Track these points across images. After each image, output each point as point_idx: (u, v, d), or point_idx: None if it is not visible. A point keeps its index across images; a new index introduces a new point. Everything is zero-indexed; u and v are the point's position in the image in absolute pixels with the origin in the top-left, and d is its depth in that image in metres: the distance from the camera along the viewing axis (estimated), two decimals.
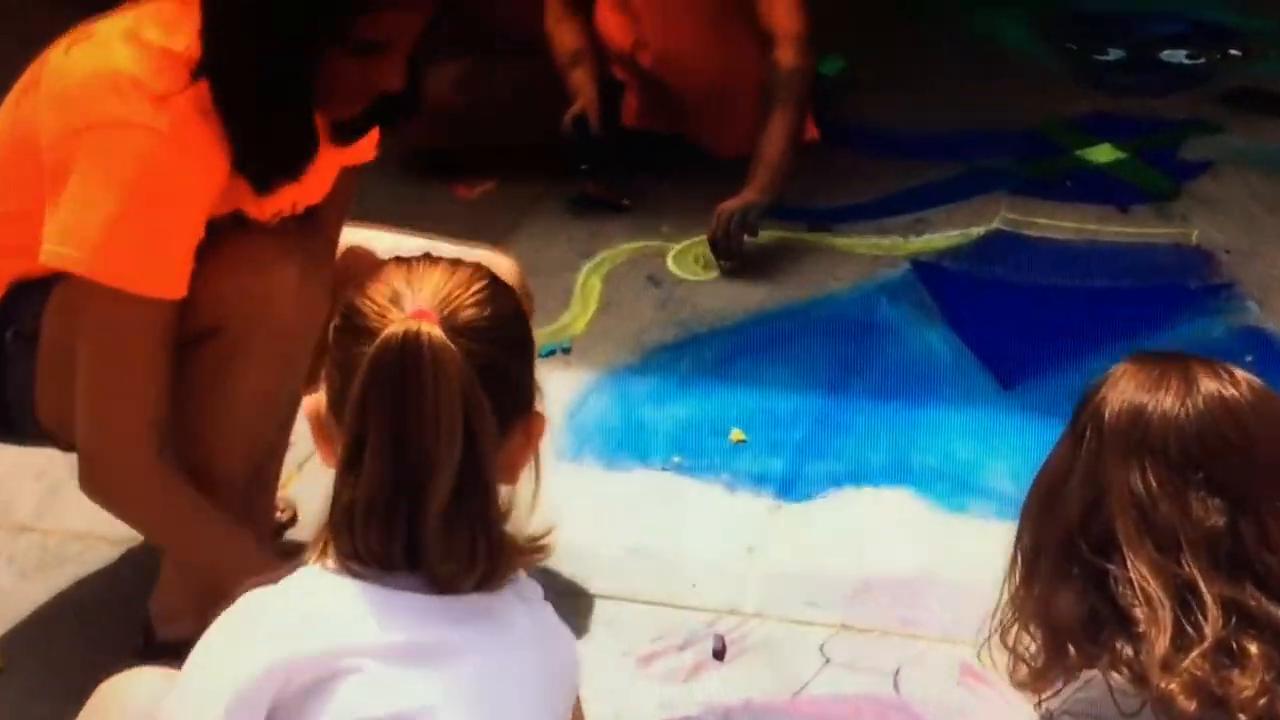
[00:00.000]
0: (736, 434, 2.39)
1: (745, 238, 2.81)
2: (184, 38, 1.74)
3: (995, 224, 2.95)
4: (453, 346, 1.26)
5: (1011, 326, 2.65)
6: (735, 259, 2.82)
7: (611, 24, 3.11)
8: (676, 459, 2.33)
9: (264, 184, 1.80)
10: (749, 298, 2.75)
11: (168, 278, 1.71)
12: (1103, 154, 3.17)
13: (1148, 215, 2.97)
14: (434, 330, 1.26)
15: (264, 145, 1.76)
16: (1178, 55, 3.56)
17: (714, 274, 2.83)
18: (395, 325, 1.26)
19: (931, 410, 2.42)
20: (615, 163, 3.04)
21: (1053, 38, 3.65)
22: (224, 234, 1.78)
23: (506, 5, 3.25)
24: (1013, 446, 2.33)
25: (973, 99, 3.40)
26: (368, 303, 1.31)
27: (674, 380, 2.52)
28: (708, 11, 3.03)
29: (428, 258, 1.36)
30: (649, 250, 2.91)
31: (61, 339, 1.78)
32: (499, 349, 1.30)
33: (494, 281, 1.34)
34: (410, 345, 1.26)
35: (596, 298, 2.76)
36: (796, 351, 2.60)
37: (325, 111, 1.80)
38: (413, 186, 3.03)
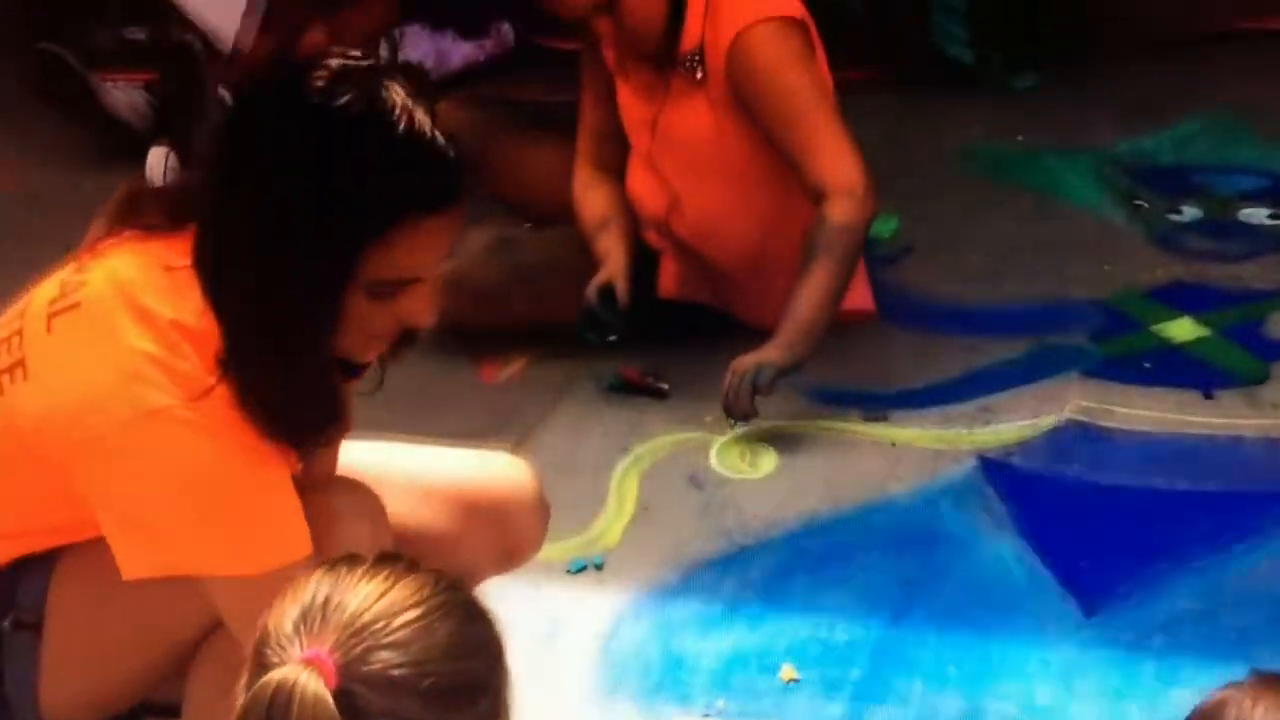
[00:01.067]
0: (788, 671, 2.17)
1: (758, 397, 2.61)
2: (192, 306, 1.57)
3: (1067, 413, 2.71)
4: (331, 709, 1.03)
5: (1088, 538, 2.42)
6: (746, 420, 2.63)
7: (643, 187, 2.90)
8: (720, 703, 2.11)
9: (307, 446, 1.65)
10: (800, 501, 2.52)
11: (287, 540, 1.57)
12: (1182, 330, 2.93)
13: (1235, 402, 2.73)
14: (316, 686, 1.04)
15: (292, 427, 1.61)
16: (1259, 214, 3.31)
17: (762, 471, 2.61)
18: (276, 671, 1.06)
19: (1007, 644, 2.20)
20: (650, 339, 2.83)
21: (1121, 193, 3.42)
22: None
23: (535, 170, 3.06)
24: (1098, 689, 2.10)
25: (1038, 264, 3.17)
26: (271, 631, 1.10)
27: (718, 604, 2.31)
28: (748, 172, 2.81)
29: (373, 562, 1.14)
30: (690, 444, 2.68)
31: (73, 625, 1.64)
32: (426, 707, 1.07)
33: (442, 604, 1.12)
34: (279, 703, 1.04)
35: (633, 501, 2.54)
36: (853, 569, 2.37)
37: (352, 360, 1.66)
38: (437, 366, 2.82)
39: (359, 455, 1.86)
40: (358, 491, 1.74)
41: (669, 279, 2.94)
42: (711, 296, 2.93)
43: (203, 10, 3.61)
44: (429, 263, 1.58)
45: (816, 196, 2.69)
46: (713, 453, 2.65)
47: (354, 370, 1.71)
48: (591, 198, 2.92)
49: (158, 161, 3.24)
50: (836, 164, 2.68)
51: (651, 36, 2.73)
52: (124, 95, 3.69)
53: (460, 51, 4.14)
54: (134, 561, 1.55)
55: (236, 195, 1.55)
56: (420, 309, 1.59)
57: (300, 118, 1.53)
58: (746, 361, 2.62)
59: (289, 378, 1.57)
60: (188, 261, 1.58)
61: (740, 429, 2.65)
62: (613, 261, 2.82)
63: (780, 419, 2.71)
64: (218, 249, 1.56)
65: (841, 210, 2.66)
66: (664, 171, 2.86)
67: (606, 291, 2.78)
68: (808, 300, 2.64)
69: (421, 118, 1.54)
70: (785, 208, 2.79)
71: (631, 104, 2.88)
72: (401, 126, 1.52)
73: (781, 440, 2.67)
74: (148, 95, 3.70)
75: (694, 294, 2.94)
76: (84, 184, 3.52)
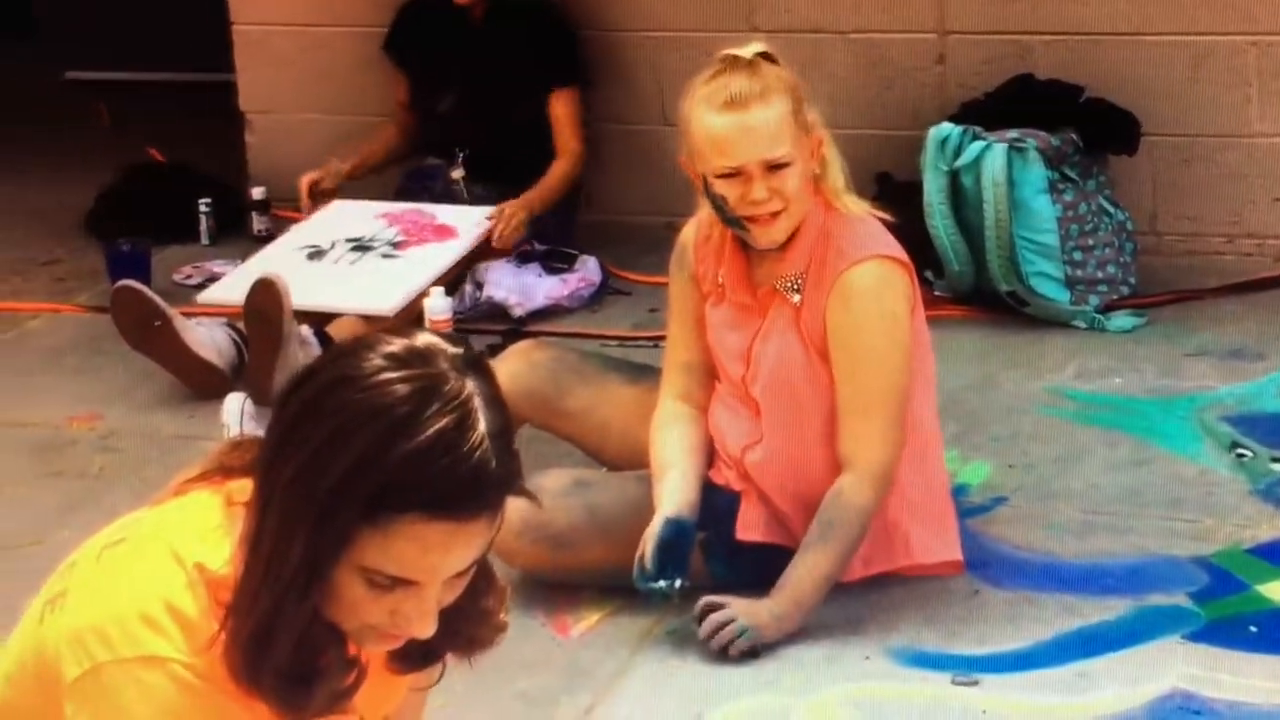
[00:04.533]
0: None
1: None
2: (223, 553, 1.56)
3: (1172, 680, 2.56)
4: None
5: None
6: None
7: (728, 422, 2.84)
8: None
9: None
10: None
11: None
12: None
13: None
14: None
15: (280, 685, 1.54)
16: None
17: None
18: None
19: None
20: (731, 586, 2.72)
21: (1223, 442, 3.30)
22: None
23: (611, 413, 3.01)
24: None
25: (1134, 516, 3.04)
26: None
27: None
28: (833, 411, 2.74)
29: None
30: (771, 709, 2.55)
31: None
32: None
33: None
34: None
35: None
36: None
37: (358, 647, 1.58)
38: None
39: None
40: None
41: (749, 521, 2.84)
42: (789, 539, 2.84)
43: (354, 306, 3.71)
44: (427, 568, 1.50)
45: (842, 461, 2.70)
46: (795, 719, 2.52)
47: (407, 663, 1.65)
48: (663, 437, 2.85)
49: (234, 409, 3.23)
50: (873, 442, 2.69)
51: (784, 232, 2.70)
52: (207, 331, 3.70)
53: (544, 288, 4.13)
54: None
55: (270, 445, 1.55)
56: (413, 615, 1.52)
57: (336, 384, 1.51)
58: (738, 612, 2.63)
59: (260, 634, 1.52)
60: (247, 499, 1.57)
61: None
62: (682, 496, 2.74)
63: (865, 681, 2.58)
64: (254, 493, 1.56)
65: (862, 491, 2.69)
66: (752, 405, 2.80)
67: (677, 527, 2.69)
68: (810, 578, 2.67)
69: (472, 423, 1.49)
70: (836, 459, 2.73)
71: (726, 333, 2.83)
72: (439, 424, 1.47)
73: (867, 705, 2.55)
74: (230, 332, 3.71)
75: (774, 536, 2.84)
76: (167, 425, 3.53)
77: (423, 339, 1.55)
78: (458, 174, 4.36)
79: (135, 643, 1.51)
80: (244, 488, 1.59)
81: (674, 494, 2.75)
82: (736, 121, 2.66)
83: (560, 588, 2.84)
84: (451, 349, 1.55)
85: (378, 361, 1.51)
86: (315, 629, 1.54)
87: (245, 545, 1.54)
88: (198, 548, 1.56)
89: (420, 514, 1.47)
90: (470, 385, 1.51)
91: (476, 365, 1.55)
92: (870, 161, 4.04)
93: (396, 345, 1.53)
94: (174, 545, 1.56)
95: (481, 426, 1.49)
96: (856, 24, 4.39)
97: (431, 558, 1.50)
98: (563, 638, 2.74)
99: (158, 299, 3.68)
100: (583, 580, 2.85)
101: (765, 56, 2.72)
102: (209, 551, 1.56)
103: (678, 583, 2.67)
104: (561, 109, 4.36)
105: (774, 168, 2.66)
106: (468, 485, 1.48)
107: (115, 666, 1.51)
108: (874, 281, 2.70)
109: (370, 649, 1.60)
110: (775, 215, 2.69)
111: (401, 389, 1.49)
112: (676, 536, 2.69)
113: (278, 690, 1.54)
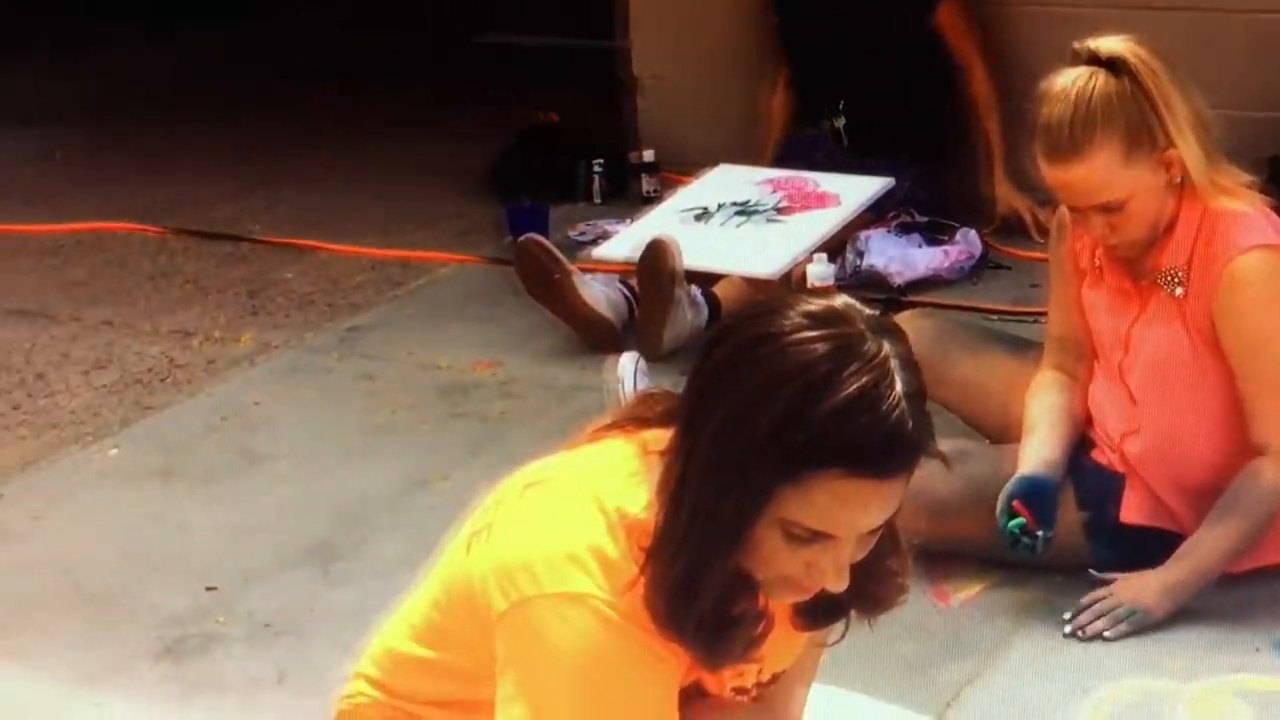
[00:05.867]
0: None
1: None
2: (641, 500, 1.63)
3: None
4: None
5: None
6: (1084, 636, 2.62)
7: (1109, 404, 2.83)
8: None
9: (712, 667, 1.66)
10: None
11: None
12: None
13: None
14: None
15: (702, 632, 1.62)
16: None
17: None
18: None
19: None
20: (1115, 565, 2.72)
21: None
22: (686, 709, 1.67)
23: (990, 385, 3.02)
24: None
25: None
26: None
27: None
28: (1217, 401, 2.72)
29: None
30: (1155, 691, 2.54)
31: None
32: None
33: None
34: None
35: None
36: None
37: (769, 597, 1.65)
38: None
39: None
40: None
41: (1133, 505, 2.83)
42: (1174, 524, 2.81)
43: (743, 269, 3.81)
44: (844, 523, 1.56)
45: (1256, 449, 2.66)
46: (1181, 706, 2.51)
47: (812, 619, 1.72)
48: (1034, 403, 2.87)
49: (628, 366, 3.34)
50: None
51: (1141, 243, 2.69)
52: (601, 287, 3.84)
53: (925, 258, 4.15)
54: None
55: (690, 399, 1.62)
56: (828, 568, 1.58)
57: (756, 342, 1.57)
58: (1127, 596, 2.62)
59: (686, 582, 1.58)
60: (663, 448, 1.65)
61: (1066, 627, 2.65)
62: (1026, 464, 2.75)
63: (1254, 673, 2.55)
64: (673, 444, 1.63)
65: (1277, 473, 2.63)
66: (1127, 391, 2.78)
67: (1014, 490, 2.71)
68: (1217, 549, 2.64)
69: (890, 383, 1.53)
70: (1250, 445, 2.69)
71: (1103, 316, 2.82)
72: (859, 383, 1.52)
73: (1256, 698, 2.51)
74: (622, 289, 3.84)
75: (1159, 521, 2.82)
76: (562, 375, 3.69)
77: (840, 300, 1.60)
78: (839, 122, 4.41)
79: (561, 579, 1.60)
80: (658, 437, 1.67)
81: (1034, 453, 2.77)
82: (1059, 176, 2.64)
83: (940, 556, 2.86)
84: (867, 311, 1.59)
85: (797, 320, 1.56)
86: (734, 579, 1.60)
87: (665, 494, 1.60)
88: (617, 493, 1.64)
89: (840, 470, 1.52)
90: (887, 346, 1.55)
91: (891, 328, 1.59)
92: (1263, 145, 3.92)
93: (815, 305, 1.58)
94: (595, 489, 1.65)
95: (899, 387, 1.53)
96: (1253, 3, 4.26)
97: (849, 513, 1.55)
98: (943, 606, 2.78)
99: (558, 253, 3.84)
100: (960, 550, 2.87)
101: (1110, 64, 2.61)
102: (627, 497, 1.64)
103: (1040, 535, 2.69)
104: (949, 19, 4.33)
105: (1108, 208, 2.64)
106: (886, 444, 1.53)
107: (542, 601, 1.60)
108: (1264, 270, 2.64)
109: (781, 600, 1.66)
110: (1122, 239, 2.67)
111: (821, 348, 1.53)
112: (1032, 491, 2.70)
113: (699, 636, 1.61)
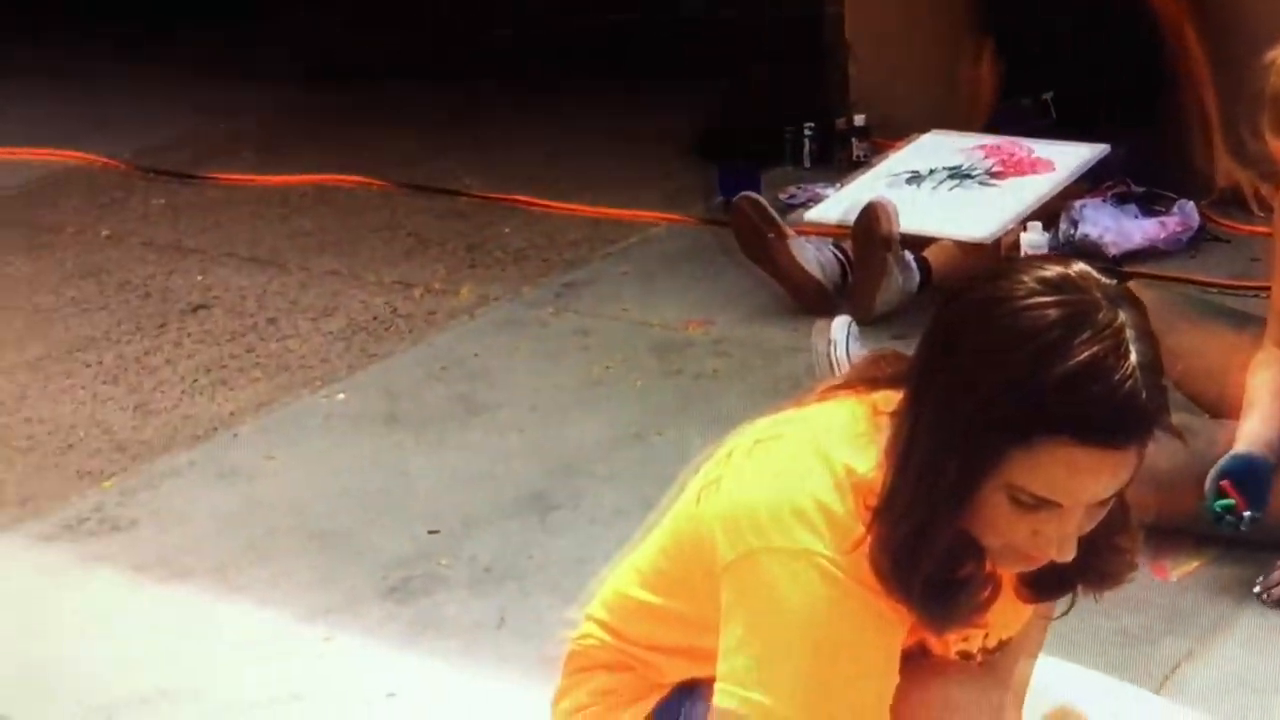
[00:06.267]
0: None
1: None
2: (873, 455, 1.64)
3: None
4: None
5: None
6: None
7: None
8: None
9: (936, 629, 1.68)
10: None
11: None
12: None
13: None
14: None
15: (927, 593, 1.63)
16: None
17: None
18: None
19: None
20: None
21: None
22: (909, 669, 1.67)
23: (1208, 360, 2.96)
24: None
25: None
26: None
27: None
28: None
29: None
30: None
31: None
32: None
33: None
34: None
35: None
36: None
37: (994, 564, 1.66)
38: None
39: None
40: (984, 688, 1.75)
41: None
42: None
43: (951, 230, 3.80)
44: (1071, 491, 1.55)
45: None
46: None
47: (1038, 591, 1.73)
48: (1253, 380, 2.83)
49: (841, 330, 3.35)
50: None
51: None
52: (815, 249, 3.86)
53: (1142, 229, 4.10)
54: (723, 686, 1.63)
55: (921, 361, 1.63)
56: (1054, 536, 1.57)
57: (988, 305, 1.57)
58: None
59: (912, 543, 1.59)
60: (893, 410, 1.66)
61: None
62: (1241, 442, 2.70)
63: None
64: (903, 405, 1.64)
65: None
66: None
67: (1225, 467, 2.67)
68: None
69: (1124, 353, 1.52)
70: None
71: None
72: (1091, 351, 1.51)
73: None
74: (836, 252, 3.86)
75: None
76: (773, 336, 3.73)
77: (1076, 267, 1.58)
78: (1046, 94, 4.36)
79: (788, 534, 1.62)
80: (888, 398, 1.68)
81: (1252, 431, 2.73)
82: None
83: (1158, 530, 2.84)
84: (1104, 279, 1.58)
85: (1031, 285, 1.55)
86: (960, 542, 1.61)
87: (894, 455, 1.61)
88: (845, 451, 1.66)
89: (1070, 438, 1.52)
90: (1123, 316, 1.54)
91: (1128, 297, 1.57)
92: None
93: (1050, 271, 1.57)
94: (823, 447, 1.67)
95: (1133, 357, 1.52)
96: None
97: (1077, 482, 1.54)
98: (1162, 580, 2.76)
99: (773, 212, 3.87)
100: (1180, 525, 2.85)
101: None
102: (856, 456, 1.65)
103: (1246, 515, 2.65)
104: None
105: None
106: (1117, 414, 1.52)
107: (769, 554, 1.62)
108: None
109: (1008, 568, 1.66)
110: None
111: (1053, 313, 1.53)
112: (1245, 470, 2.67)
113: (924, 597, 1.62)
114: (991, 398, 1.53)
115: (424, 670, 2.61)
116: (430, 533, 3.00)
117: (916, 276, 3.78)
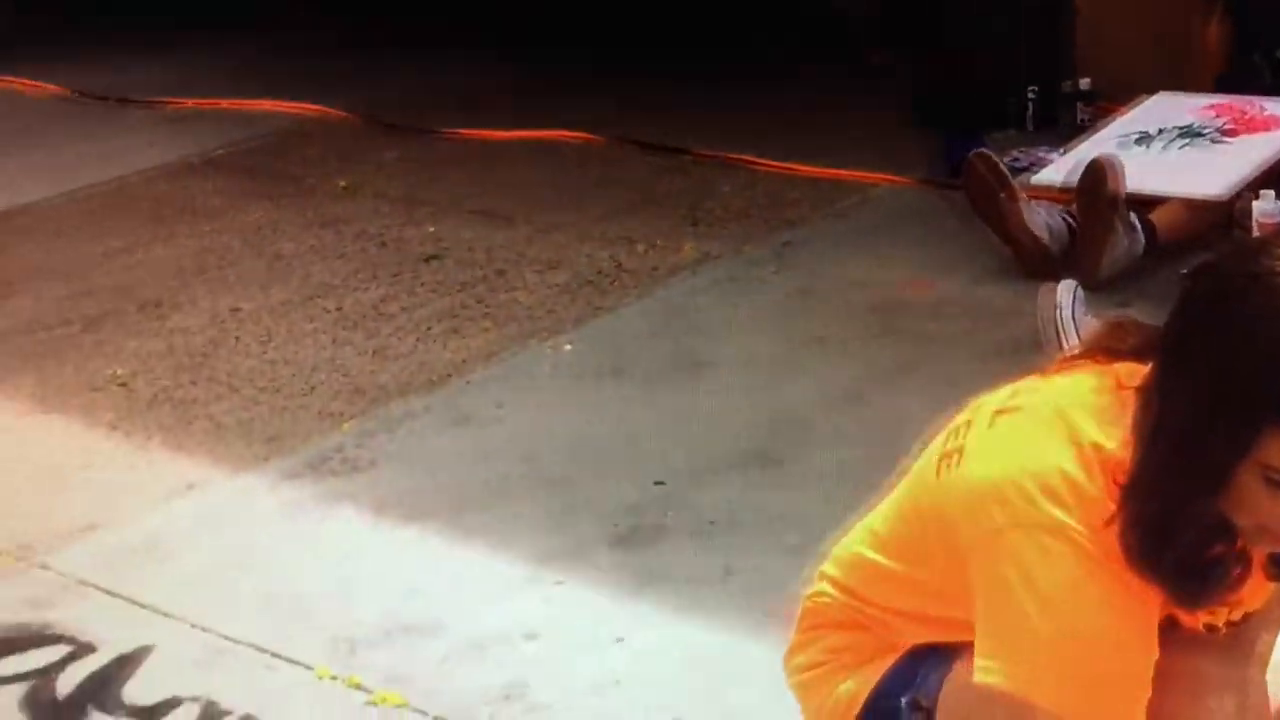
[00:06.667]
0: None
1: None
2: (1119, 432, 1.63)
3: None
4: None
5: None
6: None
7: None
8: None
9: (1187, 607, 1.68)
10: None
11: (1119, 704, 1.62)
12: None
13: None
14: None
15: (1179, 573, 1.62)
16: None
17: None
18: None
19: None
20: None
21: None
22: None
23: None
24: None
25: None
26: None
27: None
28: None
29: None
30: None
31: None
32: None
33: None
34: None
35: None
36: None
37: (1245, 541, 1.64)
38: None
39: None
40: (1233, 661, 1.74)
41: None
42: None
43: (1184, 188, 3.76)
44: None
45: None
46: None
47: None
48: None
49: (1066, 293, 3.33)
50: None
51: None
52: (1044, 214, 3.84)
53: None
54: (983, 663, 1.64)
55: (1172, 337, 1.61)
56: None
57: (1241, 280, 1.56)
58: None
59: (1162, 522, 1.58)
60: (1138, 384, 1.65)
61: None
62: None
63: None
64: (1151, 383, 1.62)
65: None
66: None
67: None
68: None
69: None
70: None
71: None
72: None
73: None
74: (1066, 219, 3.84)
75: None
76: (994, 299, 3.73)
77: None
78: (1279, 53, 4.27)
79: (1036, 510, 1.61)
80: (1131, 371, 1.66)
81: None
82: None
83: None
84: None
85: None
86: (1212, 522, 1.59)
87: (1143, 431, 1.60)
88: (1091, 427, 1.63)
89: None
90: None
91: None
92: None
93: None
94: (1068, 421, 1.65)
95: None
96: None
97: None
98: None
99: (1006, 172, 3.83)
100: None
101: None
102: (1102, 432, 1.63)
103: None
104: None
105: None
106: None
107: (1017, 531, 1.61)
108: None
109: (1260, 548, 1.65)
110: None
111: None
112: None
113: (1175, 577, 1.61)
114: (1245, 376, 1.52)
115: (652, 618, 2.68)
116: (656, 484, 3.08)
117: (1142, 240, 3.75)
